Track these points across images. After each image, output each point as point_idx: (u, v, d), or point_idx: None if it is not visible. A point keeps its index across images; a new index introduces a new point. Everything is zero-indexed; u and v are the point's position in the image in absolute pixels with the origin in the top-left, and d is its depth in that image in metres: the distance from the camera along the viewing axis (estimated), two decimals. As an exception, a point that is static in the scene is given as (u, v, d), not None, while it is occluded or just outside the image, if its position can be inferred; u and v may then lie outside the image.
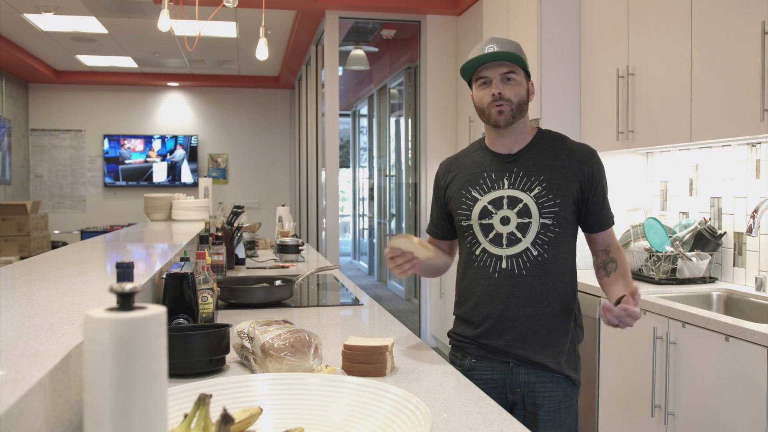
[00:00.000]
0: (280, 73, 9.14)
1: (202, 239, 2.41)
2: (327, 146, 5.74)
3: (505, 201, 1.79)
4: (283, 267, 3.53)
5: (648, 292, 2.80)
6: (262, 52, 4.18)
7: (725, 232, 3.05)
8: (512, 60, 1.76)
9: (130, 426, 0.68)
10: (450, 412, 1.30)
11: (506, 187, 1.80)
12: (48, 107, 9.35)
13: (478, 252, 1.82)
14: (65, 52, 7.98)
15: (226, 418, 0.83)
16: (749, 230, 2.59)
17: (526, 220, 1.76)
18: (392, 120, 9.06)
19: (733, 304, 2.83)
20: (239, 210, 3.76)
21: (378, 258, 9.93)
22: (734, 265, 3.01)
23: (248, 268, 3.52)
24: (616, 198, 3.55)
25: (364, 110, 10.91)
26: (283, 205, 4.57)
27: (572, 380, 1.81)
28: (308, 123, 7.44)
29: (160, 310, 0.71)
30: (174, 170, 9.64)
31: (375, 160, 10.11)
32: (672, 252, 3.02)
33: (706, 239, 3.03)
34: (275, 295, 2.47)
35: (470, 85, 1.86)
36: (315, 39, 6.64)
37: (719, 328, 2.24)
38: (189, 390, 1.10)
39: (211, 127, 9.81)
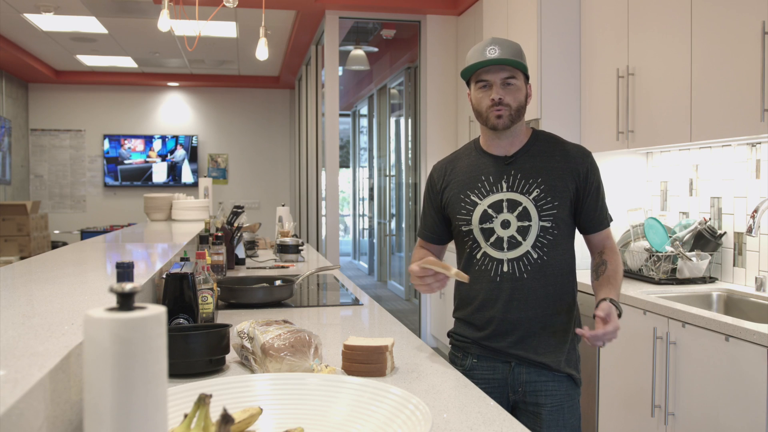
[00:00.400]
0: (280, 73, 9.14)
1: (202, 239, 2.41)
2: (327, 146, 5.74)
3: (504, 204, 1.79)
4: (283, 267, 3.53)
5: (648, 292, 2.80)
6: (262, 52, 4.18)
7: (725, 232, 3.05)
8: (514, 66, 1.76)
9: (130, 426, 0.68)
10: (450, 412, 1.30)
11: (505, 190, 1.79)
12: (48, 107, 9.35)
13: (479, 256, 1.82)
14: (65, 52, 7.98)
15: (226, 418, 0.83)
16: (749, 230, 2.59)
17: (526, 223, 1.77)
18: (392, 120, 9.06)
19: (733, 304, 2.83)
20: (239, 210, 3.76)
21: (378, 258, 9.93)
22: (734, 265, 3.01)
23: (248, 268, 3.52)
24: (617, 198, 3.55)
25: (364, 110, 10.91)
26: (283, 205, 4.57)
27: (573, 379, 1.82)
28: (308, 123, 7.44)
29: (160, 310, 0.71)
30: (174, 170, 9.64)
31: (375, 160, 10.11)
32: (672, 252, 3.02)
33: (706, 239, 3.04)
34: (275, 295, 2.47)
35: (468, 85, 1.85)
36: (315, 39, 6.64)
37: (719, 328, 2.24)
38: (189, 390, 1.10)
39: (211, 127, 9.81)
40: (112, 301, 0.71)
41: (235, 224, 3.62)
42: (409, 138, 7.71)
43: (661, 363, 2.53)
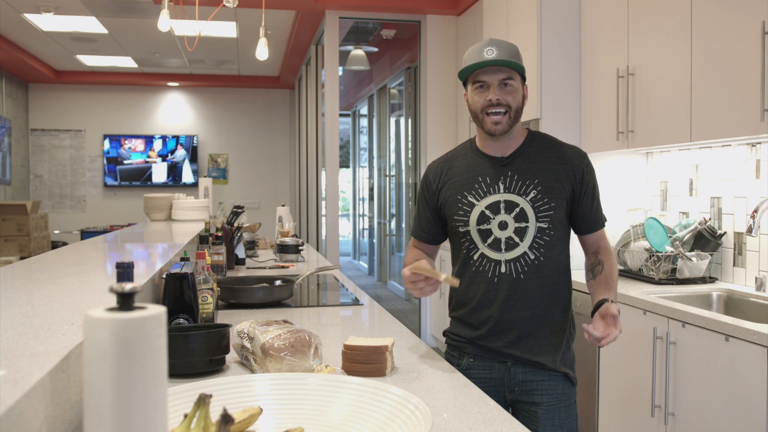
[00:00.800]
0: (280, 73, 9.14)
1: (202, 239, 2.41)
2: (327, 146, 5.74)
3: (502, 205, 1.79)
4: (283, 267, 3.53)
5: (648, 292, 2.80)
6: (262, 52, 4.18)
7: (725, 232, 3.05)
8: (511, 67, 1.76)
9: (130, 426, 0.68)
10: (450, 412, 1.30)
11: (502, 191, 1.79)
12: (48, 107, 9.35)
13: (476, 257, 1.82)
14: (65, 52, 7.98)
15: (226, 418, 0.83)
16: (749, 230, 2.59)
17: (524, 225, 1.77)
18: (392, 120, 9.06)
19: (733, 304, 2.83)
20: (239, 210, 3.76)
21: (378, 258, 9.93)
22: (734, 265, 3.01)
23: (248, 268, 3.52)
24: (617, 198, 3.55)
25: (364, 110, 10.91)
26: (283, 205, 4.57)
27: (569, 378, 1.82)
28: (308, 123, 7.44)
29: (160, 310, 0.71)
30: (175, 170, 9.64)
31: (375, 160, 10.11)
32: (672, 252, 3.02)
33: (706, 239, 3.04)
34: (275, 295, 2.47)
35: (465, 86, 1.85)
36: (315, 39, 6.64)
37: (719, 328, 2.24)
38: (189, 390, 1.10)
39: (211, 127, 9.82)
40: (112, 301, 0.71)
41: (235, 224, 3.62)
42: (409, 138, 7.72)
43: (661, 363, 2.53)
